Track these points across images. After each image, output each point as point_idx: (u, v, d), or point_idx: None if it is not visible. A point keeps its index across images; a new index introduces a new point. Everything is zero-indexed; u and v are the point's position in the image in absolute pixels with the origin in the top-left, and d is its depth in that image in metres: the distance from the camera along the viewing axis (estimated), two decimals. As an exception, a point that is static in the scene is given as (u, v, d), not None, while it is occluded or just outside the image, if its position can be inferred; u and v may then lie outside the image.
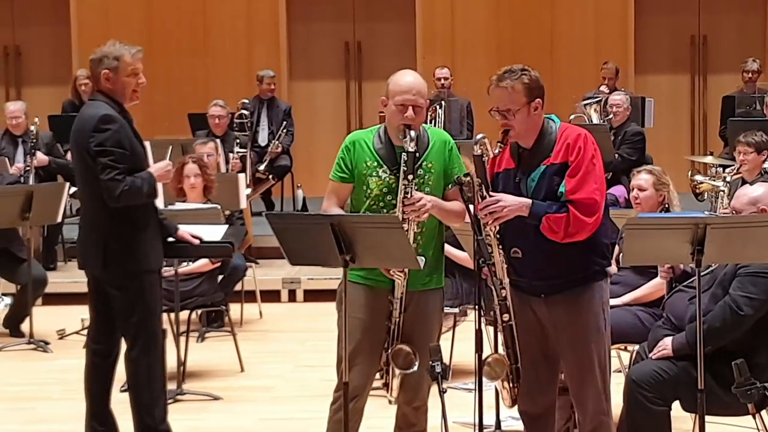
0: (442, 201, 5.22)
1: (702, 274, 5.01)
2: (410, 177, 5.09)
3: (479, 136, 5.09)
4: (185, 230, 6.25)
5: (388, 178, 5.18)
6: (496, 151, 5.05)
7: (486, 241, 5.03)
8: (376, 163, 5.19)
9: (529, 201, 4.97)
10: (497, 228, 5.05)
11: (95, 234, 5.91)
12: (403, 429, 5.37)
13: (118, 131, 5.79)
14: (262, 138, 13.08)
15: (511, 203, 4.97)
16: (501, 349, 5.17)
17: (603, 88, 13.08)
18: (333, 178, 5.28)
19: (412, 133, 5.12)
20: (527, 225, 4.97)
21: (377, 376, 5.37)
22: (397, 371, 5.11)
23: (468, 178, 5.12)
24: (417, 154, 5.14)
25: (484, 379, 5.16)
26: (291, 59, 14.99)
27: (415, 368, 5.08)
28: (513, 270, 5.11)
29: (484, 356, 5.10)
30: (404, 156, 5.10)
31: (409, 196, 5.08)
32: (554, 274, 5.03)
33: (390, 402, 5.57)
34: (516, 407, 5.33)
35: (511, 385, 5.17)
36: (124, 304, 5.90)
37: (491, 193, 5.01)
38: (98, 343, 6.08)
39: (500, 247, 5.08)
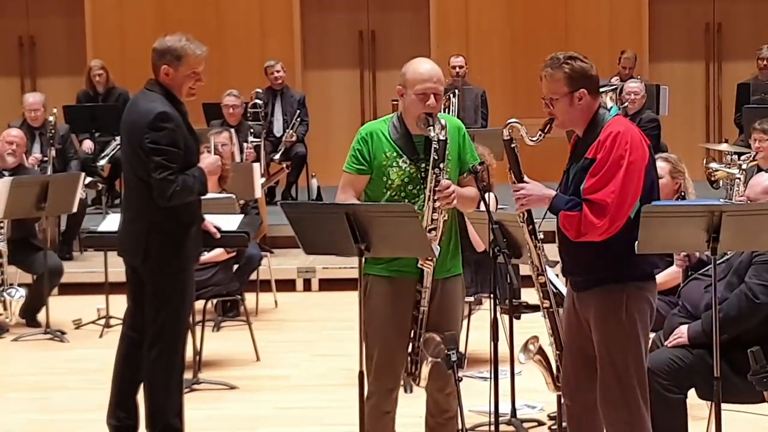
0: (460, 188, 5.22)
1: (717, 262, 5.00)
2: (441, 165, 5.05)
3: (510, 120, 5.04)
4: (208, 221, 6.26)
5: (408, 168, 5.15)
6: (534, 138, 5.01)
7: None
8: (395, 154, 5.16)
9: (553, 193, 4.91)
10: (525, 215, 5.03)
11: (138, 225, 5.86)
12: (436, 416, 5.35)
13: (174, 130, 5.73)
14: (277, 128, 13.10)
15: (534, 193, 4.93)
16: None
17: (614, 79, 13.02)
18: (348, 170, 5.21)
19: (442, 121, 5.10)
20: None
21: None
22: (430, 359, 5.11)
23: (483, 167, 5.11)
24: (447, 142, 5.13)
25: (521, 356, 5.17)
26: (305, 49, 14.99)
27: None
28: (561, 259, 5.08)
29: (526, 339, 5.12)
30: (435, 144, 5.06)
31: (441, 183, 5.05)
32: (577, 270, 4.97)
33: (405, 391, 5.56)
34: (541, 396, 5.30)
35: (555, 371, 5.14)
36: (157, 298, 5.87)
37: (527, 179, 4.98)
38: (135, 331, 6.04)
39: (533, 235, 5.05)
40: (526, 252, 6.34)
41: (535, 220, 5.13)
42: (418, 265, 5.11)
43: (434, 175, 5.06)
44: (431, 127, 5.07)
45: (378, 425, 5.25)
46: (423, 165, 5.13)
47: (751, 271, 5.53)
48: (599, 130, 4.86)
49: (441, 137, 5.07)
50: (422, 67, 5.17)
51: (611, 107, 4.99)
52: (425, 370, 5.18)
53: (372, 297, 5.18)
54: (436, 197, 5.05)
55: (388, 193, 5.15)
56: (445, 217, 5.13)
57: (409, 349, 5.21)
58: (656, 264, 5.03)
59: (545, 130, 4.99)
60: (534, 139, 5.00)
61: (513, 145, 5.01)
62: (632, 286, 4.87)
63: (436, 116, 5.10)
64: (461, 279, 5.32)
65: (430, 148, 5.11)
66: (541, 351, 5.30)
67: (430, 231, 5.07)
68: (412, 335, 5.19)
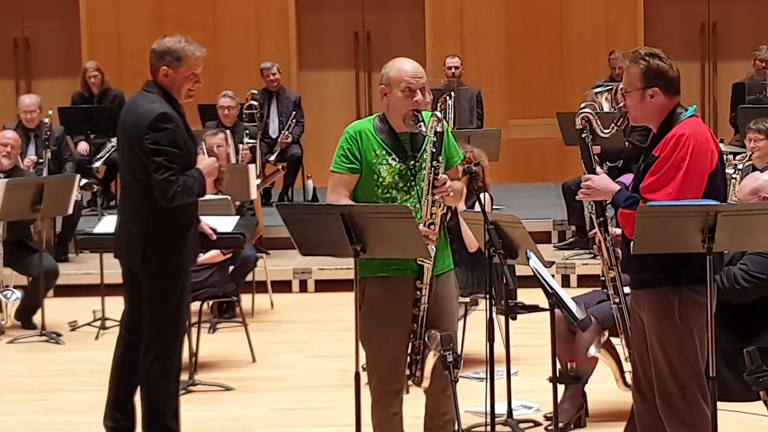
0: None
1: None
2: (440, 158, 5.06)
3: (583, 110, 5.04)
4: (204, 222, 6.26)
5: (398, 166, 5.16)
6: (607, 131, 4.98)
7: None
8: (384, 152, 5.16)
9: (617, 188, 4.91)
10: (594, 206, 5.05)
11: (136, 227, 5.85)
12: (435, 418, 5.34)
13: (174, 131, 5.73)
14: (273, 129, 13.09)
15: (599, 185, 4.94)
16: None
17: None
18: (339, 170, 5.19)
19: (438, 113, 5.12)
20: None
21: None
22: (435, 354, 5.08)
23: (478, 168, 5.12)
24: (444, 135, 5.10)
25: (591, 348, 5.19)
26: (300, 49, 14.99)
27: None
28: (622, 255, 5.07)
29: (602, 338, 5.15)
30: (433, 138, 5.07)
31: (439, 177, 5.06)
32: (633, 268, 4.94)
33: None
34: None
35: (623, 368, 5.15)
36: (155, 300, 5.86)
37: (598, 170, 4.99)
38: (132, 333, 6.03)
39: (602, 229, 5.07)
40: (522, 252, 6.36)
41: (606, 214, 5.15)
42: (418, 261, 5.10)
43: (433, 169, 5.06)
44: (421, 123, 5.07)
45: (389, 427, 5.26)
46: (412, 162, 5.15)
47: (744, 259, 5.65)
48: (669, 129, 4.87)
49: (438, 129, 5.08)
50: (405, 64, 5.20)
51: (690, 108, 4.98)
52: (428, 368, 5.17)
53: (370, 301, 5.16)
54: (434, 191, 5.06)
55: (380, 190, 5.15)
56: (443, 211, 5.14)
57: (409, 350, 5.21)
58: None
59: (618, 123, 4.99)
60: (607, 131, 5.00)
61: (584, 135, 5.00)
62: (686, 290, 4.85)
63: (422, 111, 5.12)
64: (454, 274, 5.33)
65: (417, 145, 5.15)
66: (608, 345, 5.30)
67: (429, 225, 5.08)
68: (411, 335, 5.19)
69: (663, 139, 4.84)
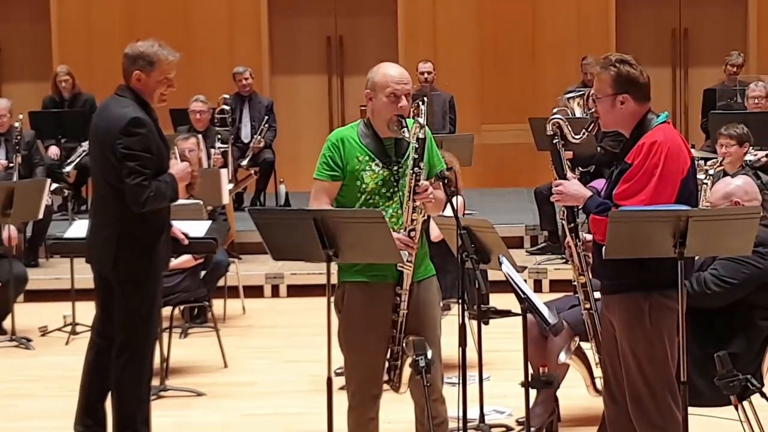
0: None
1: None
2: (421, 164, 5.06)
3: (554, 116, 5.04)
4: (176, 227, 6.24)
5: (381, 171, 5.14)
6: (578, 136, 4.99)
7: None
8: (368, 158, 5.15)
9: (588, 194, 4.92)
10: (566, 212, 5.06)
11: (107, 232, 5.84)
12: (425, 424, 5.34)
13: (147, 135, 5.73)
14: (245, 134, 13.08)
15: (570, 191, 4.97)
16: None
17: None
18: (321, 177, 5.17)
19: (421, 119, 5.11)
20: None
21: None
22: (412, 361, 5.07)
23: (450, 173, 5.11)
24: (426, 141, 5.10)
25: (561, 355, 5.20)
26: (273, 54, 14.96)
27: (429, 357, 5.08)
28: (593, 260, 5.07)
29: (573, 344, 5.15)
30: (414, 144, 5.06)
31: (420, 184, 5.05)
32: (604, 273, 4.95)
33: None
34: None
35: (594, 373, 5.16)
36: (127, 305, 5.85)
37: (569, 176, 5.01)
38: (103, 338, 6.01)
39: (573, 234, 5.08)
40: (494, 257, 6.37)
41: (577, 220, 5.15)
42: (398, 267, 5.09)
43: (415, 175, 5.05)
44: (404, 129, 5.07)
45: None
46: (395, 168, 5.14)
47: (715, 264, 5.68)
48: (643, 135, 4.88)
49: (420, 136, 5.08)
50: (391, 69, 5.20)
51: (662, 114, 4.99)
52: (406, 374, 5.16)
53: (350, 305, 5.15)
54: (415, 197, 5.05)
55: (363, 197, 5.14)
56: (425, 217, 5.13)
57: (388, 355, 5.19)
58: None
59: (589, 129, 5.00)
60: (578, 137, 5.01)
61: (555, 141, 5.02)
62: (657, 295, 4.88)
63: (407, 118, 5.11)
64: (435, 280, 5.31)
65: (401, 150, 5.13)
66: (578, 351, 5.32)
67: (410, 232, 5.07)
68: (390, 340, 5.18)
69: (636, 146, 4.85)
